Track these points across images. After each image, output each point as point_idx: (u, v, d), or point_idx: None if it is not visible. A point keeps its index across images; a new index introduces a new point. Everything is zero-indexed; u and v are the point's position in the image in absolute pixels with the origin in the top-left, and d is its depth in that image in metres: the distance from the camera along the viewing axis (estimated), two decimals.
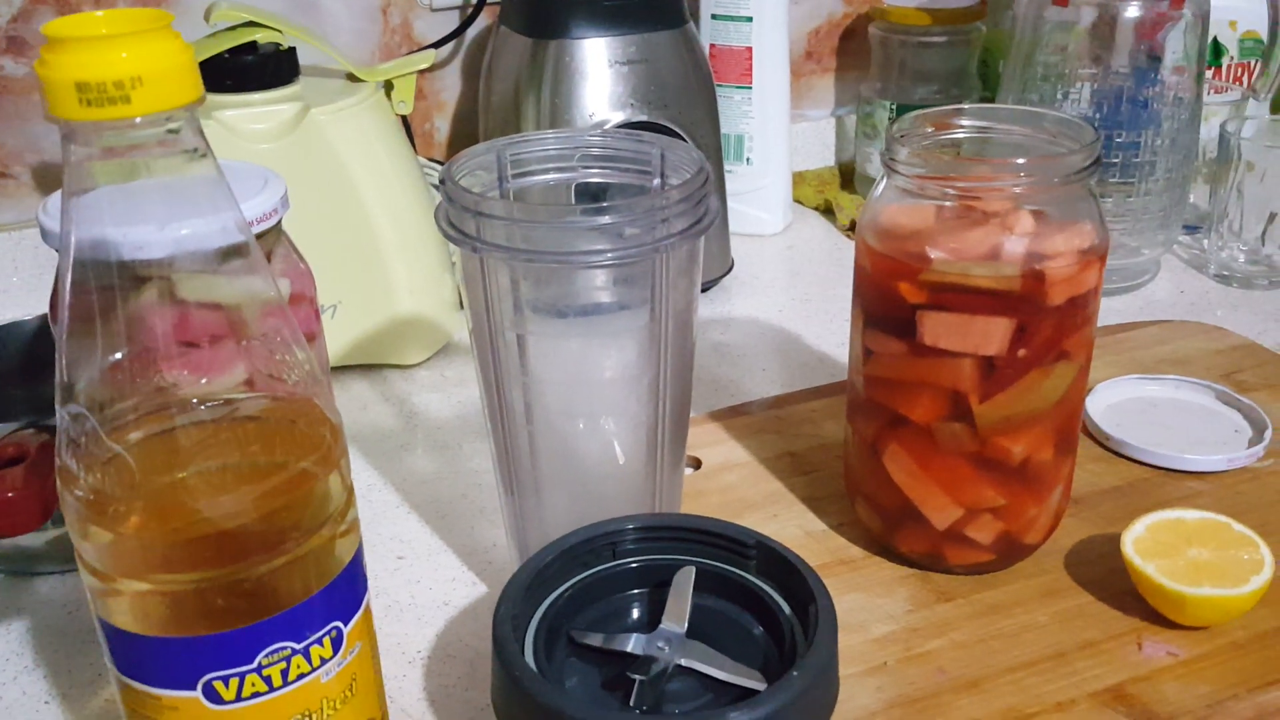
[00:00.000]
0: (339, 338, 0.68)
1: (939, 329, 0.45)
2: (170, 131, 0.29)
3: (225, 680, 0.33)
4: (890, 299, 0.47)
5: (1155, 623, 0.47)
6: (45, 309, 0.58)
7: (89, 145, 0.29)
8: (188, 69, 0.28)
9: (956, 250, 0.45)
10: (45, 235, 0.45)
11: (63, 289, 0.31)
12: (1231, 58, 0.90)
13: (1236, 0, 0.88)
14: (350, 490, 0.36)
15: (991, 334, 0.45)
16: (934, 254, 0.46)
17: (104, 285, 0.30)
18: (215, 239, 0.31)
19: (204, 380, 0.33)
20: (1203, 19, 0.75)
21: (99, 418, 0.31)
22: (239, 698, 0.33)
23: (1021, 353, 0.45)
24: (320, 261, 0.53)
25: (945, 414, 0.47)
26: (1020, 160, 0.46)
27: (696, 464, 0.60)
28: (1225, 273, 0.81)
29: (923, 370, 0.47)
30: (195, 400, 0.33)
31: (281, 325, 0.34)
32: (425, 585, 0.53)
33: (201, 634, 0.32)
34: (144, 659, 0.33)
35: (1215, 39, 0.87)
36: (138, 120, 0.28)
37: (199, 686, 0.33)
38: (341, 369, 0.70)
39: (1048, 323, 0.46)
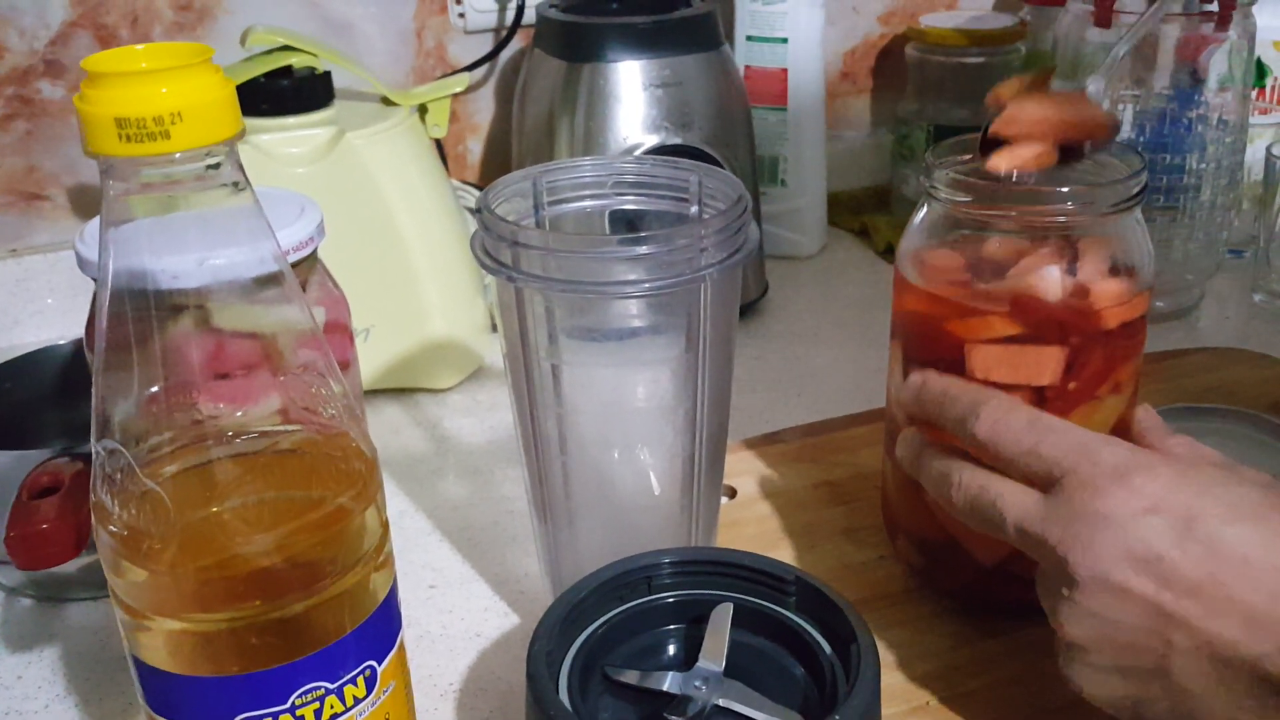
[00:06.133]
0: (371, 361, 0.68)
1: (989, 361, 0.44)
2: (210, 166, 0.29)
3: None
4: (934, 330, 0.46)
5: None
6: (79, 332, 0.58)
7: (128, 180, 0.29)
8: (228, 103, 0.28)
9: (1002, 279, 0.44)
10: (82, 264, 0.45)
11: (99, 321, 0.31)
12: (1276, 78, 0.88)
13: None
14: (385, 525, 0.35)
15: (1044, 364, 0.44)
16: (978, 284, 0.44)
17: (140, 316, 0.30)
18: (252, 269, 0.31)
19: (239, 413, 0.32)
20: (1248, 40, 0.73)
21: (134, 452, 0.31)
22: None
23: (1072, 385, 0.44)
24: (353, 285, 0.53)
25: None
26: (1066, 188, 0.45)
27: (731, 493, 0.59)
28: (1272, 297, 0.79)
29: None
30: (230, 433, 0.32)
31: (317, 357, 0.33)
32: (457, 615, 0.52)
33: (235, 673, 0.32)
34: (176, 698, 0.33)
35: (1259, 59, 0.86)
36: (177, 155, 0.28)
37: None
38: (373, 392, 0.70)
39: (1098, 353, 0.44)
